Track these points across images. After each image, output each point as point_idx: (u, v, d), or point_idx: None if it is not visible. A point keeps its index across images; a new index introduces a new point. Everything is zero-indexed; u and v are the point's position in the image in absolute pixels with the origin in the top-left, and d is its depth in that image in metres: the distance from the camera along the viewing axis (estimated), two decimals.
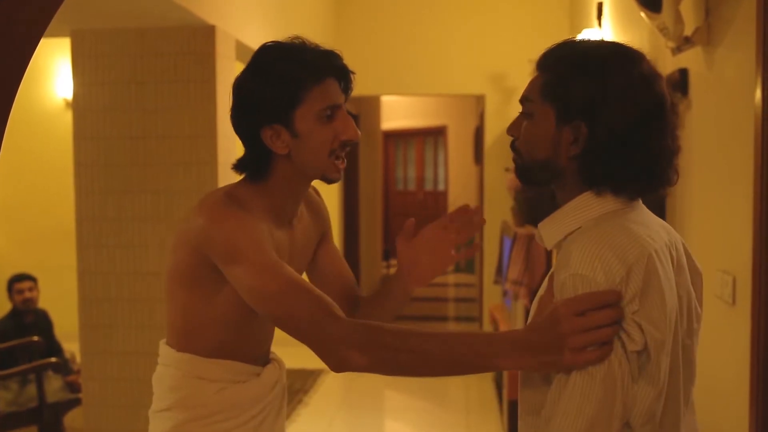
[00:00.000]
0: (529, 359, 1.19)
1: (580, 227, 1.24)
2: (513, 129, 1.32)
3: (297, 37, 1.54)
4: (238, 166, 1.57)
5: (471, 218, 1.63)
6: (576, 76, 1.21)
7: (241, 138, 1.55)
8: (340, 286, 1.78)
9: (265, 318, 1.48)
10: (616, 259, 1.15)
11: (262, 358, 1.69)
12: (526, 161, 1.29)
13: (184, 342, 1.60)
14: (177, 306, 1.58)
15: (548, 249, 1.29)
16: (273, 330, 1.72)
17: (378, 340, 1.32)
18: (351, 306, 1.75)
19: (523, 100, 1.29)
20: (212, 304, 1.54)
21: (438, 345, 1.27)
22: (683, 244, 1.34)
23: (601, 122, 1.19)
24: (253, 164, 1.54)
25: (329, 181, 1.55)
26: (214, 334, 1.57)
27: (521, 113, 1.30)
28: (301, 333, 1.37)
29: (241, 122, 1.53)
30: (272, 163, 1.53)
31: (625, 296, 1.15)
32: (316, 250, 1.77)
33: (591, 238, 1.19)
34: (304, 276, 1.68)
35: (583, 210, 1.24)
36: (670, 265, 1.24)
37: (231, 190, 1.54)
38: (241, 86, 1.52)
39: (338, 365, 1.35)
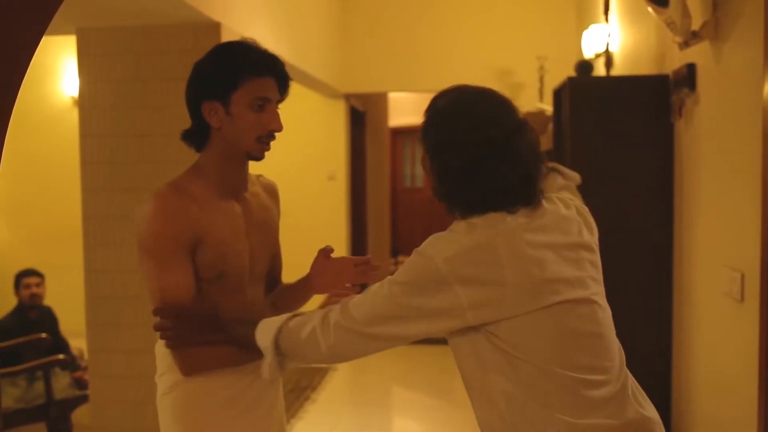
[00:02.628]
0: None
1: None
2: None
3: (251, 39, 1.83)
4: (184, 136, 1.84)
5: (371, 271, 1.99)
6: (430, 125, 1.53)
7: (188, 110, 1.81)
8: (275, 269, 2.03)
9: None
10: (452, 242, 1.44)
11: None
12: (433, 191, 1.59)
13: None
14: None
15: None
16: (255, 298, 1.91)
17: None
18: (273, 286, 2.03)
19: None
20: None
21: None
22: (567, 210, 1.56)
23: (443, 162, 1.50)
24: (194, 134, 1.82)
25: (254, 159, 1.81)
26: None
27: None
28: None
29: (189, 96, 1.79)
30: (210, 136, 1.80)
31: (452, 267, 1.41)
32: None
33: (444, 232, 1.48)
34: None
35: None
36: (525, 241, 1.44)
37: (176, 180, 1.82)
38: (195, 65, 1.81)
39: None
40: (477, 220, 1.47)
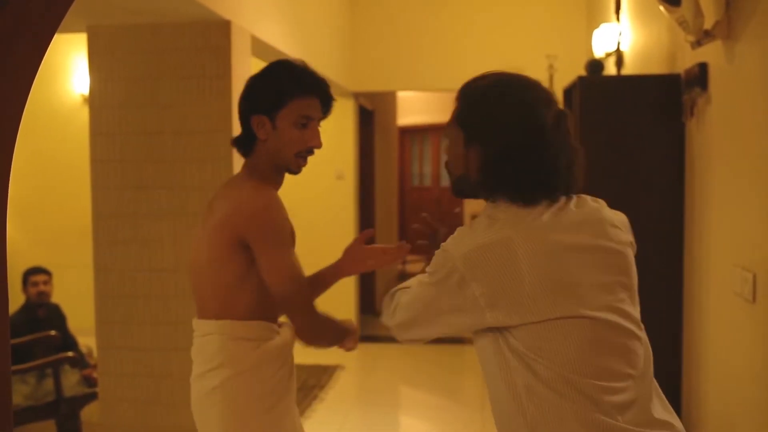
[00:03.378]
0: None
1: None
2: (444, 150, 1.61)
3: (301, 61, 2.00)
4: (234, 141, 2.02)
5: (400, 255, 2.18)
6: (472, 107, 1.50)
7: (239, 120, 1.99)
8: None
9: (275, 292, 1.89)
10: (469, 237, 1.43)
11: (275, 318, 2.03)
12: (452, 177, 1.58)
13: (221, 310, 1.92)
14: (217, 279, 1.92)
15: None
16: None
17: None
18: None
19: (445, 126, 1.58)
20: (248, 274, 1.90)
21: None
22: (602, 212, 1.52)
23: (489, 144, 1.46)
24: (243, 141, 1.99)
25: (291, 173, 2.00)
26: (246, 299, 1.92)
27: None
28: (292, 311, 1.93)
29: (241, 108, 1.98)
30: (256, 146, 1.98)
31: (468, 265, 1.40)
32: None
33: (464, 227, 1.48)
34: None
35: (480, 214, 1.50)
36: (547, 240, 1.41)
37: (250, 174, 1.96)
38: (249, 80, 1.99)
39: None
40: (500, 215, 1.44)
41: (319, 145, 1.97)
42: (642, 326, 1.49)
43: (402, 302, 1.59)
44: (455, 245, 1.44)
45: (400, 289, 1.67)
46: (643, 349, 1.46)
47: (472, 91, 1.52)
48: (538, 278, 1.37)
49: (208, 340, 1.94)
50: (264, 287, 1.91)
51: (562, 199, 1.48)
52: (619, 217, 1.54)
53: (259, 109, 1.93)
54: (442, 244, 1.48)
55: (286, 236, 1.90)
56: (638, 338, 1.46)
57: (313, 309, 1.94)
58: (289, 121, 1.92)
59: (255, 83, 1.97)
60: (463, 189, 1.56)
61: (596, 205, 1.52)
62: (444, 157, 1.60)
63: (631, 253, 1.51)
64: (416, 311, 1.54)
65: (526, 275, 1.36)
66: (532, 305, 1.37)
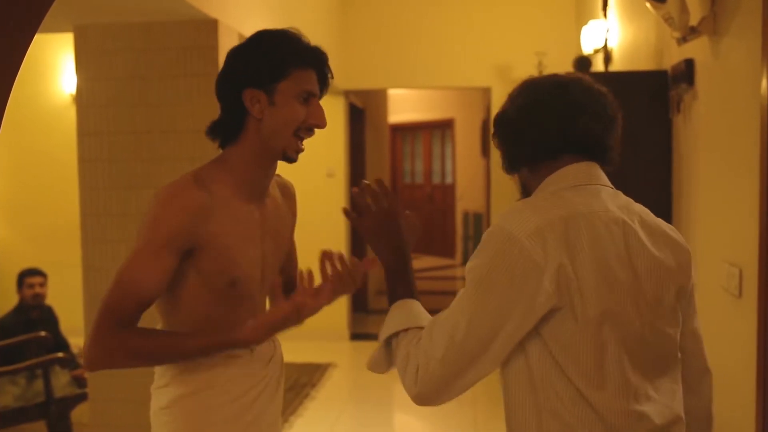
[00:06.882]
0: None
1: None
2: None
3: (294, 28, 1.69)
4: (211, 128, 1.70)
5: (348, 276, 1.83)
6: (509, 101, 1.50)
7: (221, 100, 1.69)
8: (291, 269, 1.97)
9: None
10: (534, 214, 1.32)
11: None
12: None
13: (174, 320, 1.71)
14: None
15: None
16: (264, 308, 1.81)
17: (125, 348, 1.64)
18: (289, 286, 1.89)
19: None
20: (178, 279, 1.64)
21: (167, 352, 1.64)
22: (663, 224, 1.51)
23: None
24: (227, 125, 1.68)
25: (287, 159, 1.68)
26: (194, 308, 1.67)
27: None
28: (96, 316, 1.63)
29: (227, 84, 1.66)
30: (244, 129, 1.66)
31: (545, 248, 1.28)
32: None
33: (521, 202, 1.40)
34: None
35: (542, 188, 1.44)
36: (609, 234, 1.34)
37: (200, 172, 1.67)
38: (235, 51, 1.67)
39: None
40: (566, 193, 1.38)
41: (323, 124, 1.68)
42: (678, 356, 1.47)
43: (434, 341, 1.33)
44: (516, 223, 1.31)
45: (410, 337, 1.44)
46: (676, 381, 1.44)
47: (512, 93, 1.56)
48: (592, 266, 1.30)
49: None
50: (228, 300, 1.68)
51: (612, 189, 1.46)
52: (676, 234, 1.49)
53: (253, 82, 1.62)
54: (494, 224, 1.34)
55: (155, 237, 1.57)
56: (672, 361, 1.44)
57: (110, 325, 1.61)
58: (290, 94, 1.62)
59: (244, 53, 1.65)
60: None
61: (649, 216, 1.48)
62: None
63: (682, 276, 1.47)
64: (466, 335, 1.30)
65: (586, 259, 1.29)
66: (585, 292, 1.29)
